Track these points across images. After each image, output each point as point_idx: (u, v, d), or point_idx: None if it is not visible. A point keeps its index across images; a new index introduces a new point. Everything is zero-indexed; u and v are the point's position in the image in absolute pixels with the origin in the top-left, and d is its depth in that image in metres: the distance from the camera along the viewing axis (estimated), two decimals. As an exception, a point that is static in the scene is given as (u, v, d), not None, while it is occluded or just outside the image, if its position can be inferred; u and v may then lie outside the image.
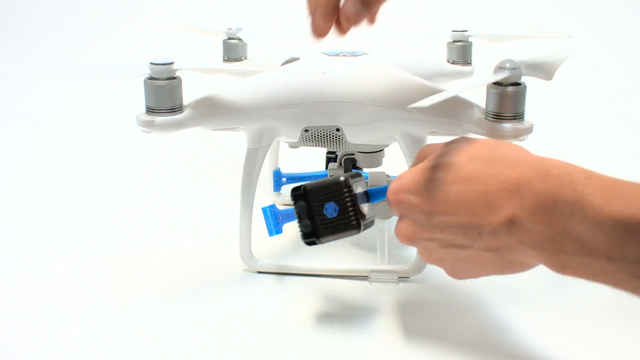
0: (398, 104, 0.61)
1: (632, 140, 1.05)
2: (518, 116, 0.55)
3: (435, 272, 0.68)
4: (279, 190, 0.85)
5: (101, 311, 0.61)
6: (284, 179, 0.85)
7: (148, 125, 0.57)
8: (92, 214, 0.82)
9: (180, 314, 0.61)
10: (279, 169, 0.84)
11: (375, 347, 0.56)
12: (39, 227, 0.79)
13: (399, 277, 0.66)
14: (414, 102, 0.50)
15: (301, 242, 0.54)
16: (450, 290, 0.65)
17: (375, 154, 0.69)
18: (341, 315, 0.61)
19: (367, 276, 0.67)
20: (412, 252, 0.69)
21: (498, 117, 0.55)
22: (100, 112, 1.21)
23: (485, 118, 0.56)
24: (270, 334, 0.58)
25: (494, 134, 0.56)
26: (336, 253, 0.72)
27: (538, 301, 0.63)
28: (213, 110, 0.60)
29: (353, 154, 0.70)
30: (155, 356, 0.55)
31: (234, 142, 0.85)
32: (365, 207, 0.54)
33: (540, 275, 0.67)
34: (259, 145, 0.64)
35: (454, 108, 0.59)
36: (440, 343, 0.56)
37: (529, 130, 0.55)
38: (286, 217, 0.60)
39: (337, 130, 0.63)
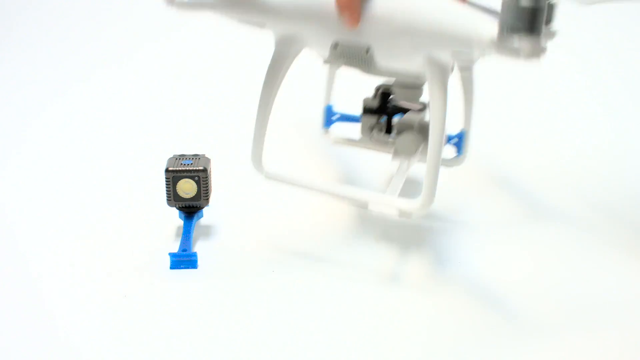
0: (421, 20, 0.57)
1: (626, 136, 0.96)
2: (535, 32, 0.49)
3: (429, 273, 0.65)
4: (329, 127, 0.83)
5: (90, 311, 0.58)
6: (335, 117, 0.83)
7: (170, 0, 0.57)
8: (81, 211, 0.76)
9: (171, 314, 0.58)
10: (331, 105, 0.82)
11: (370, 346, 0.55)
12: (27, 226, 0.73)
13: (400, 213, 0.64)
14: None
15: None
16: (441, 290, 0.62)
17: (413, 90, 0.67)
18: (332, 316, 0.59)
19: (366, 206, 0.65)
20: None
21: (514, 30, 0.50)
22: (91, 112, 1.07)
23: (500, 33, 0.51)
24: (261, 333, 0.57)
25: (506, 50, 0.51)
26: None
27: (533, 300, 0.60)
28: None
29: (390, 87, 0.69)
30: (145, 356, 0.53)
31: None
32: None
33: (537, 274, 0.65)
34: (287, 49, 0.62)
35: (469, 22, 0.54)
36: (432, 343, 0.55)
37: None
38: None
39: (367, 52, 0.62)
